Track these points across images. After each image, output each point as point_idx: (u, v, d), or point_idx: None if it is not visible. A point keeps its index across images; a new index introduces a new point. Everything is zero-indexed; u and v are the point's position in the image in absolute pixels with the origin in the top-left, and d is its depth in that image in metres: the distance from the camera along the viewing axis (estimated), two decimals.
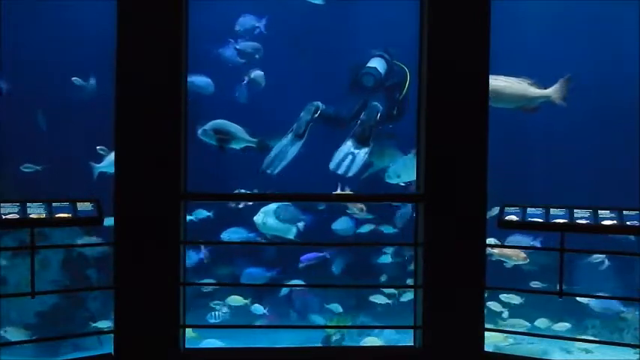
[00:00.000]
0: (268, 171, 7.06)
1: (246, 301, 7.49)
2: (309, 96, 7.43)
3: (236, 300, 7.55)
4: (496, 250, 7.30)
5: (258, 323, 7.61)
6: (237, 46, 7.94)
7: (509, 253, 7.35)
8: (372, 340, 7.23)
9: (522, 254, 7.39)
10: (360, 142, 7.05)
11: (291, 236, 7.59)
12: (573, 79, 6.96)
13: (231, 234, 7.53)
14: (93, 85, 7.82)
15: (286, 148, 7.08)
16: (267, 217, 7.51)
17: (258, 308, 7.77)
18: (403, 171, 7.32)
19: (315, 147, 7.29)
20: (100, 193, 4.68)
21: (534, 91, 6.91)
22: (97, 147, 7.57)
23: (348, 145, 7.05)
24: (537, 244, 7.19)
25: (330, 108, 7.32)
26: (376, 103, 7.30)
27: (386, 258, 8.09)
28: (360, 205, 7.73)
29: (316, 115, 7.15)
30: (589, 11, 8.62)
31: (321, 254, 7.89)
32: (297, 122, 7.15)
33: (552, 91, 6.90)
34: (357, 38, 8.22)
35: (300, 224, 7.63)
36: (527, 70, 8.39)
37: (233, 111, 8.10)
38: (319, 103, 7.23)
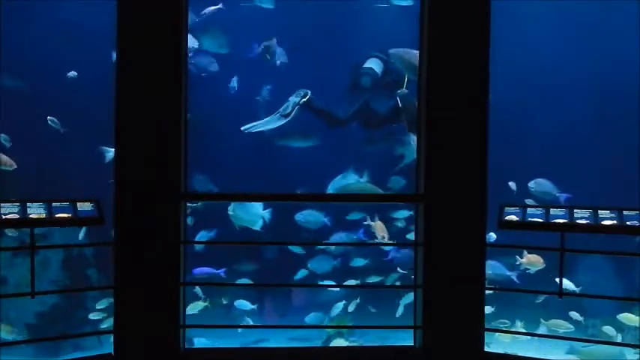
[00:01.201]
0: (246, 131, 7.38)
1: (205, 303, 7.44)
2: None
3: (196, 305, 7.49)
4: (524, 260, 7.33)
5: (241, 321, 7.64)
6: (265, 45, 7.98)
7: (534, 260, 7.36)
8: (339, 342, 7.27)
9: (541, 259, 7.39)
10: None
11: (257, 228, 7.68)
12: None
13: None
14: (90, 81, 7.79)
15: (270, 121, 7.42)
16: (237, 208, 7.59)
17: (244, 304, 7.78)
18: (345, 189, 7.52)
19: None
20: (100, 193, 4.69)
21: None
22: (48, 117, 7.59)
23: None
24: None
25: (321, 102, 7.48)
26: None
27: (360, 261, 8.06)
28: (383, 233, 7.71)
29: (304, 100, 7.41)
30: (589, 11, 8.62)
31: (216, 271, 7.76)
32: (285, 103, 7.45)
33: None
34: (357, 39, 8.21)
35: (266, 216, 7.68)
36: (527, 69, 8.41)
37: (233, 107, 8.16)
38: (308, 91, 7.43)
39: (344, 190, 7.59)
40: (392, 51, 7.30)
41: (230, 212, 7.62)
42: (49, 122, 7.57)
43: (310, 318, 7.65)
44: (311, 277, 7.87)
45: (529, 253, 7.37)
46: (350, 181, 7.69)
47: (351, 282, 7.63)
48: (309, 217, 7.85)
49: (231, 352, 5.17)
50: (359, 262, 8.03)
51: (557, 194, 7.81)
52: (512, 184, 7.66)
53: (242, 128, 7.41)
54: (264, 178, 7.72)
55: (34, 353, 6.87)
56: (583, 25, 8.62)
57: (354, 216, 7.95)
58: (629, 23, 7.98)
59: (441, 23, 4.63)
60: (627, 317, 7.04)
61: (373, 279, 7.85)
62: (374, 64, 7.62)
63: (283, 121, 7.40)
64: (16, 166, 7.16)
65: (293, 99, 7.44)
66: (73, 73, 7.78)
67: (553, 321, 7.23)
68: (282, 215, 7.80)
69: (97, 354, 4.72)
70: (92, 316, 7.12)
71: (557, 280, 4.68)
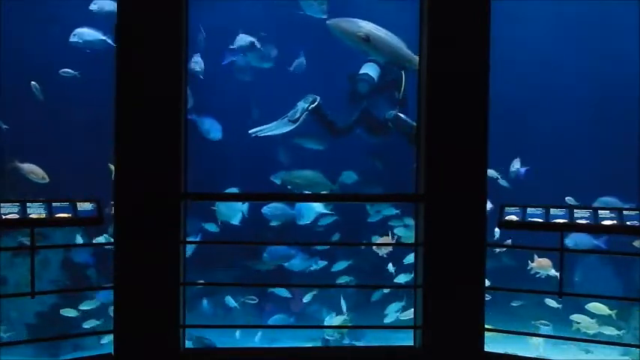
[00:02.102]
0: (253, 135, 7.41)
1: None
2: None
3: None
4: (535, 264, 7.34)
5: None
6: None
7: (544, 263, 7.36)
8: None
9: (551, 262, 7.40)
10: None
11: (236, 222, 7.75)
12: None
13: None
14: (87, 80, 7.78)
15: (278, 125, 7.42)
16: (220, 203, 7.70)
17: (230, 301, 7.83)
18: (311, 185, 7.53)
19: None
20: (100, 193, 4.69)
21: (407, 52, 7.14)
22: (32, 82, 7.49)
23: None
24: None
25: (328, 110, 7.49)
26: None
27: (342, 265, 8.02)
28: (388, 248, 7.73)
29: (313, 106, 7.40)
30: (588, 11, 8.62)
31: None
32: (293, 109, 7.44)
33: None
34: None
35: (244, 210, 7.77)
36: (528, 69, 8.40)
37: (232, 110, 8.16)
38: (317, 97, 7.46)
39: (292, 180, 7.60)
40: (329, 22, 7.21)
41: (214, 207, 7.70)
42: (32, 89, 7.51)
43: (275, 320, 7.66)
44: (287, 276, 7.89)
45: (539, 257, 7.39)
46: (303, 172, 7.70)
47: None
48: (275, 210, 7.86)
49: (231, 352, 5.17)
50: (342, 264, 8.01)
51: (518, 167, 7.89)
52: (491, 172, 7.59)
53: (250, 132, 7.40)
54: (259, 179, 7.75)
55: (34, 353, 6.87)
56: (583, 25, 8.62)
57: (327, 219, 7.98)
58: (629, 23, 7.98)
59: (441, 24, 4.63)
60: (596, 307, 7.09)
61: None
62: (370, 69, 7.59)
63: (292, 127, 7.40)
64: (48, 180, 7.13)
65: (302, 104, 7.44)
66: (75, 72, 7.76)
67: (582, 322, 7.26)
68: (259, 210, 7.86)
69: (97, 354, 4.72)
70: (64, 312, 7.07)
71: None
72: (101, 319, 6.94)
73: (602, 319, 7.27)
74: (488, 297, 6.96)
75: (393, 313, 7.52)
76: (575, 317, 7.31)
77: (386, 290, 7.76)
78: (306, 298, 7.73)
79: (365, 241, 7.73)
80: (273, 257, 7.86)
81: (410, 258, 7.51)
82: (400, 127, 7.44)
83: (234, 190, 7.29)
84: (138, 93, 4.51)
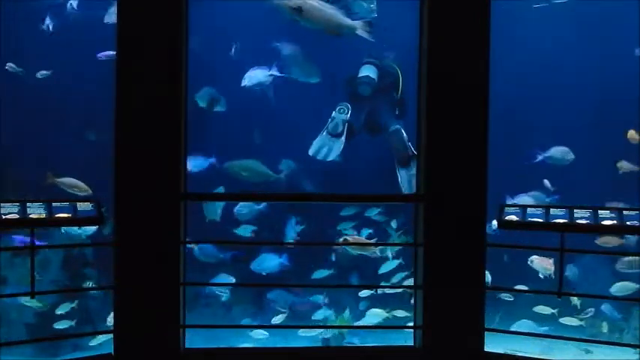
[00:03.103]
0: (316, 157, 7.36)
1: None
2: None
3: None
4: (550, 267, 7.34)
5: None
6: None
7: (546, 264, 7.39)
8: None
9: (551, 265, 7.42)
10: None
11: (216, 217, 7.71)
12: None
13: None
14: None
15: (328, 145, 7.35)
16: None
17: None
18: (253, 175, 7.55)
19: None
20: (100, 193, 4.69)
21: (342, 18, 6.98)
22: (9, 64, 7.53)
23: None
24: None
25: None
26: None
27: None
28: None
29: (348, 116, 7.31)
30: (588, 11, 8.62)
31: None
32: (331, 122, 7.33)
33: (357, 24, 6.94)
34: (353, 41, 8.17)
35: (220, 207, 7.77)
36: (528, 69, 8.40)
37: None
38: (348, 104, 7.40)
39: (236, 170, 7.55)
40: None
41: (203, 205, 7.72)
42: (8, 69, 7.51)
43: (247, 322, 7.65)
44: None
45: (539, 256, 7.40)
46: (243, 162, 7.66)
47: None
48: (245, 208, 7.85)
49: (232, 352, 5.17)
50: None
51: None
52: None
53: (310, 153, 7.35)
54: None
55: (33, 353, 6.87)
56: (583, 25, 8.62)
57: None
58: (629, 23, 7.98)
59: (441, 24, 4.63)
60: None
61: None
62: (369, 72, 7.57)
63: (342, 143, 7.31)
64: (90, 192, 7.12)
65: (339, 116, 7.31)
66: (47, 72, 7.74)
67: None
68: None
69: (97, 354, 4.72)
70: (26, 302, 6.92)
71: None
72: (74, 319, 6.98)
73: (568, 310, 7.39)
74: (510, 298, 7.16)
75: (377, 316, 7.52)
76: (538, 309, 7.31)
77: (367, 293, 7.75)
78: (278, 319, 7.60)
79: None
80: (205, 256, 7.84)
81: (389, 265, 7.61)
82: (395, 141, 7.43)
83: (220, 189, 7.29)
84: (138, 93, 4.51)
